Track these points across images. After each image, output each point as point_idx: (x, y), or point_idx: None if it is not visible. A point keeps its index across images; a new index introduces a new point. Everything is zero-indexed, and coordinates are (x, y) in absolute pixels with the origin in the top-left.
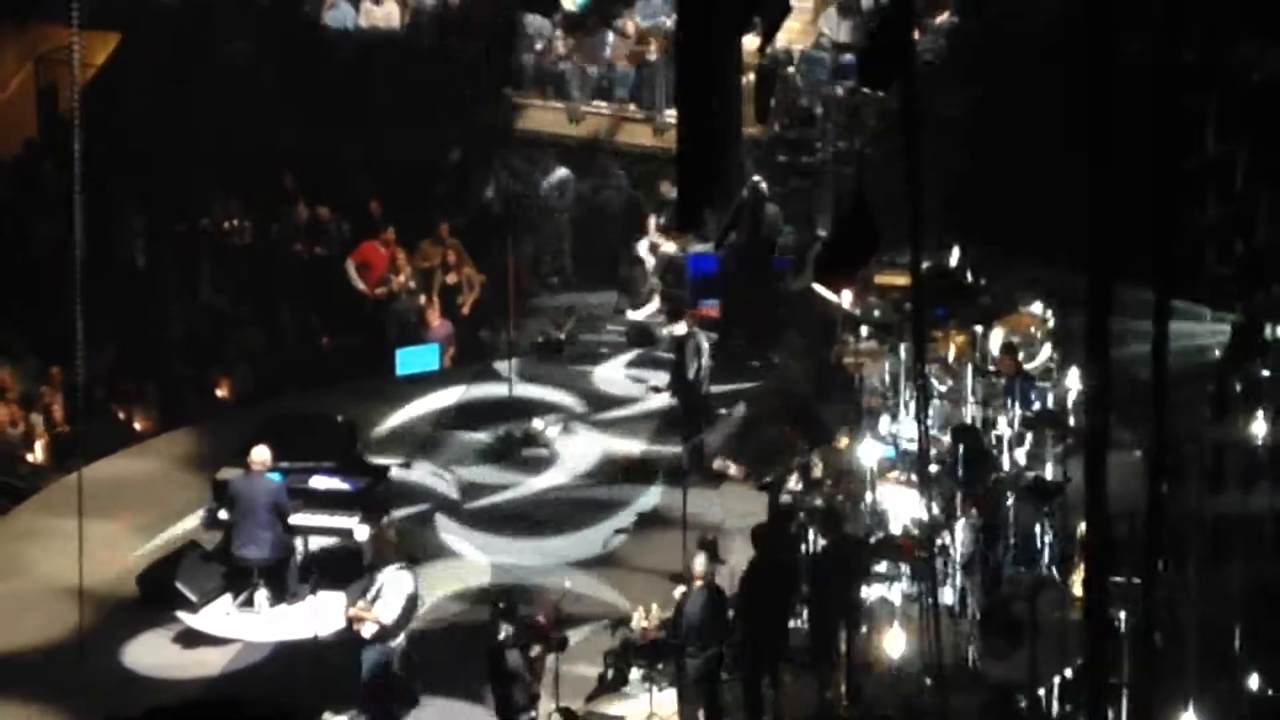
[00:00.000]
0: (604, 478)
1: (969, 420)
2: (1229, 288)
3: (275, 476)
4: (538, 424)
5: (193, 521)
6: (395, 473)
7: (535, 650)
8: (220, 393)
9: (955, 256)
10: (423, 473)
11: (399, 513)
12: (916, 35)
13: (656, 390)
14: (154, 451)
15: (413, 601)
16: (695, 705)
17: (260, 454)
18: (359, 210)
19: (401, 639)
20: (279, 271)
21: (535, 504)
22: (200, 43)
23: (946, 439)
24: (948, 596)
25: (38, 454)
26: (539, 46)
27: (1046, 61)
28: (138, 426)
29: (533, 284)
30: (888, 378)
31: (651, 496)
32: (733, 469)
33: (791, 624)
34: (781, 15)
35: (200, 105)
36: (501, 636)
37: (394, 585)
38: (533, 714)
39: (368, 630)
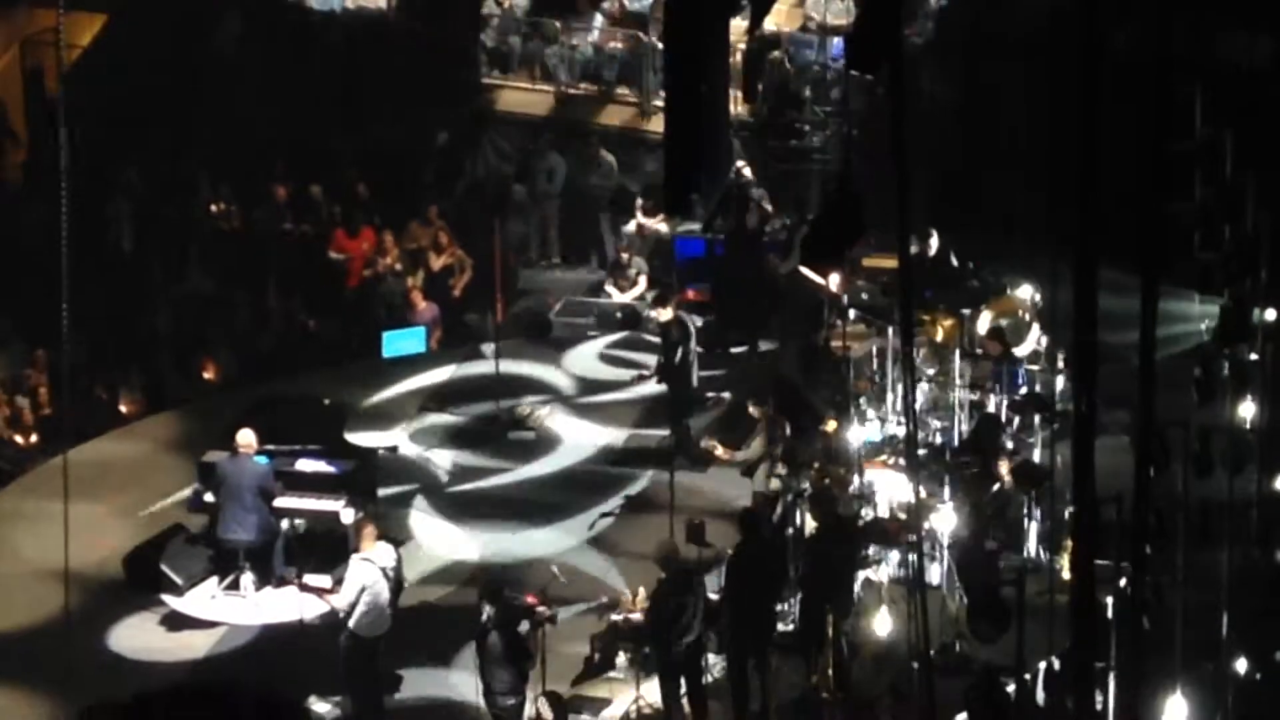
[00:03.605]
0: (591, 461)
1: (990, 407)
2: (1216, 272)
3: (262, 460)
4: (524, 407)
5: (178, 504)
6: (381, 456)
7: (524, 629)
8: (206, 375)
9: (934, 241)
10: (409, 456)
11: (385, 493)
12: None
13: (643, 378)
14: (140, 434)
15: (373, 588)
16: (678, 689)
17: (245, 436)
18: (347, 193)
19: (385, 622)
20: (266, 255)
21: (521, 487)
22: (187, 25)
23: (936, 422)
24: (935, 579)
25: (24, 437)
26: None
27: (1035, 47)
28: (124, 409)
29: (519, 266)
30: (875, 361)
31: (639, 480)
32: (720, 450)
33: (778, 607)
34: None
35: (187, 87)
36: (485, 617)
37: (354, 574)
38: (521, 695)
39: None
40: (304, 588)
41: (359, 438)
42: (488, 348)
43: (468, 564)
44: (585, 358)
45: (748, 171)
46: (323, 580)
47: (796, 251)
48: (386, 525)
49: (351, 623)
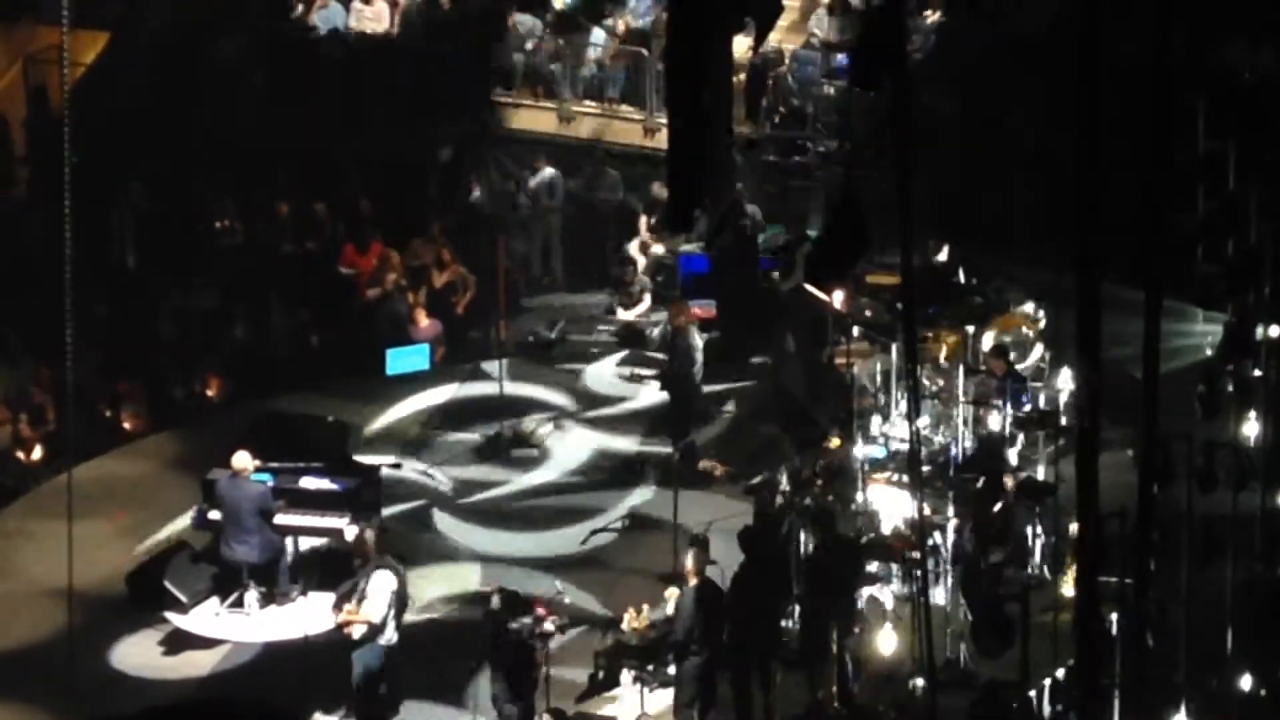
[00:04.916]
0: (594, 478)
1: (990, 424)
2: (1219, 287)
3: (263, 478)
4: (528, 424)
5: (183, 522)
6: (385, 473)
7: (535, 634)
8: (210, 393)
9: (945, 255)
10: (413, 473)
11: (389, 511)
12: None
13: (639, 378)
14: (144, 452)
15: (399, 598)
16: (690, 705)
17: (241, 460)
18: (350, 210)
19: (393, 637)
20: (270, 271)
21: (525, 504)
22: (190, 42)
23: (939, 439)
24: (939, 596)
25: (26, 454)
26: (529, 46)
27: (1037, 61)
28: (127, 426)
29: (523, 284)
30: (879, 378)
31: (641, 497)
32: (719, 470)
33: (783, 624)
34: (773, 15)
35: (191, 104)
36: (497, 626)
37: (377, 584)
38: (530, 703)
39: (357, 631)
40: (341, 624)
41: (362, 455)
42: (491, 365)
43: (471, 579)
44: (588, 375)
45: (741, 187)
46: (325, 598)
47: (799, 268)
48: (390, 542)
49: (380, 635)
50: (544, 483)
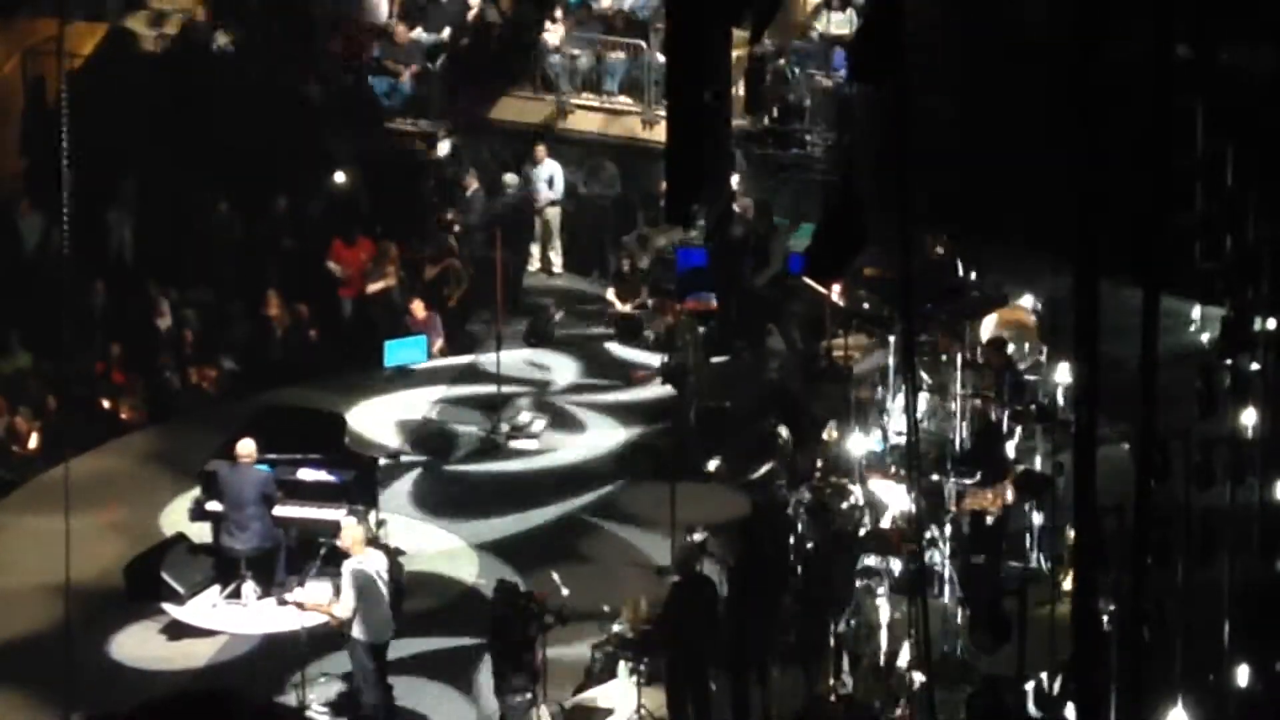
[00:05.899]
0: (591, 470)
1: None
2: (1218, 283)
3: (263, 468)
4: (524, 416)
5: (180, 514)
6: (383, 465)
7: (534, 627)
8: (206, 386)
9: (942, 249)
10: (410, 465)
11: (385, 500)
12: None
13: (641, 376)
14: (141, 444)
15: (395, 588)
16: (685, 699)
17: (246, 446)
18: (347, 203)
19: (386, 631)
20: (267, 264)
21: (521, 495)
22: (188, 34)
23: (937, 433)
24: (936, 590)
25: (24, 446)
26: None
27: (1034, 56)
28: (124, 418)
29: (522, 276)
30: (877, 371)
31: (639, 490)
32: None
33: (779, 618)
34: (773, 7)
35: (188, 96)
36: (503, 614)
37: (348, 580)
38: (532, 693)
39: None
40: (301, 607)
41: (360, 447)
42: (489, 357)
43: (470, 572)
44: (585, 368)
45: (734, 181)
46: (323, 588)
47: (775, 260)
48: (388, 532)
49: (355, 630)
50: (539, 479)
